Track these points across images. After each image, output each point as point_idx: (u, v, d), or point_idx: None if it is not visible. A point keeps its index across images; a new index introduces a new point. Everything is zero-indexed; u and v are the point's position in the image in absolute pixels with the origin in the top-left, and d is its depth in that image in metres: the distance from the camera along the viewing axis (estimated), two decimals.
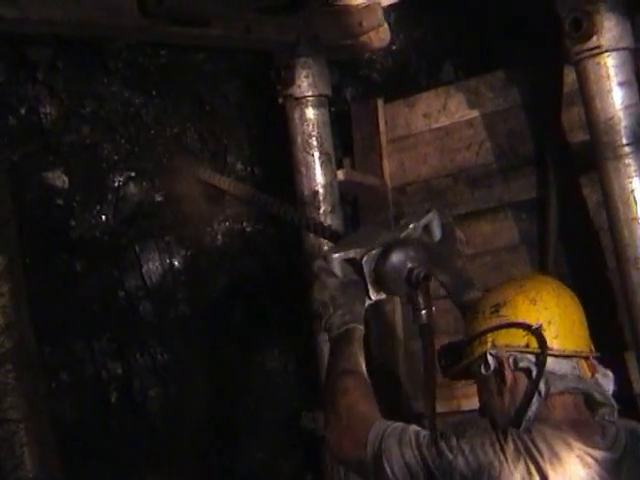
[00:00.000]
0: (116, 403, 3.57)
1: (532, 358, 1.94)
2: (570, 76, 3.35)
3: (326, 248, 2.93)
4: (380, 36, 3.75)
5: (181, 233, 3.75)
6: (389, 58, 4.16)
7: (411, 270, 2.26)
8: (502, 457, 1.84)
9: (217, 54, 3.77)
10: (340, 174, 3.71)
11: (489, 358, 1.98)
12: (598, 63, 3.05)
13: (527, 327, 1.95)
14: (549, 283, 2.07)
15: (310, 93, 3.52)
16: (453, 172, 3.79)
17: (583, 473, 1.88)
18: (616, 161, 3.06)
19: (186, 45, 3.56)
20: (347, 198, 3.92)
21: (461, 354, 2.11)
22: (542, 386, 1.93)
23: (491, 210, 3.69)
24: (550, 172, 3.48)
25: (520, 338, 1.97)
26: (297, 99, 3.52)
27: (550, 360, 1.94)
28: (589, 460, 1.89)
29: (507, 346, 1.97)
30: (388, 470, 1.94)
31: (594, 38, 3.03)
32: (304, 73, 3.49)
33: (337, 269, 2.29)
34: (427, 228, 2.44)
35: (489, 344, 2.00)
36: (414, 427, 1.97)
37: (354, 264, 2.30)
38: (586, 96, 3.13)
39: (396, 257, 2.26)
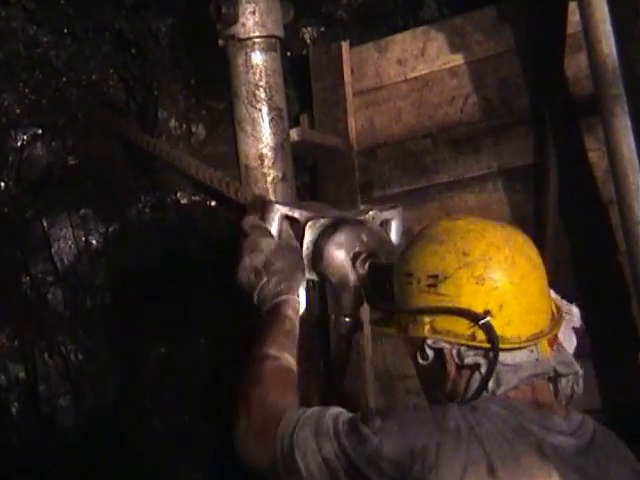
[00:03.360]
0: (18, 415, 3.59)
1: (480, 352, 1.91)
2: (576, 14, 3.29)
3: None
4: None
5: (100, 205, 3.77)
6: None
7: (358, 254, 2.30)
8: (439, 437, 1.78)
9: None
10: (294, 134, 3.66)
11: (427, 348, 1.94)
12: None
13: (473, 317, 1.90)
14: (500, 245, 1.95)
15: (257, 34, 3.39)
16: (432, 132, 3.76)
17: (539, 464, 1.82)
18: (625, 118, 3.03)
19: None
20: (303, 163, 3.90)
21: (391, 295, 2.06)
22: (491, 385, 1.90)
23: (478, 179, 3.67)
24: (549, 133, 3.45)
25: (465, 327, 1.92)
26: (241, 41, 3.40)
27: (502, 352, 1.90)
28: (547, 448, 1.85)
29: (449, 333, 1.93)
30: (303, 469, 1.87)
31: None
32: (249, 8, 3.36)
33: (274, 228, 2.31)
34: (387, 224, 2.48)
35: (426, 328, 1.95)
36: (334, 410, 1.92)
37: (294, 227, 2.33)
38: (591, 39, 3.10)
39: (345, 234, 2.30)
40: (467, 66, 3.67)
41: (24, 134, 3.61)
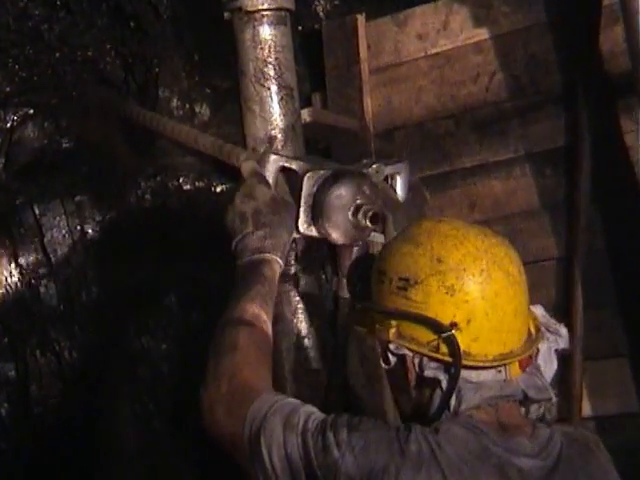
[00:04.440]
0: (7, 416, 3.56)
1: (442, 366, 1.91)
2: None
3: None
4: None
5: (97, 191, 3.74)
6: None
7: (359, 206, 2.30)
8: (399, 461, 1.80)
9: None
10: (306, 114, 3.60)
11: (389, 354, 1.96)
12: None
13: (437, 328, 1.90)
14: (478, 256, 1.94)
15: (266, 6, 3.33)
16: (455, 113, 3.75)
17: None
18: None
19: None
20: (316, 146, 3.86)
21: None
22: (453, 402, 1.90)
23: (505, 163, 3.66)
24: (583, 113, 3.44)
25: (429, 337, 1.92)
26: (249, 14, 3.34)
27: (466, 370, 1.91)
28: (510, 471, 1.85)
29: (412, 341, 1.94)
30: (266, 457, 1.89)
31: None
32: None
33: (271, 177, 2.33)
34: (392, 179, 2.49)
35: (392, 332, 1.96)
36: (308, 408, 1.93)
37: (292, 179, 2.34)
38: (628, 10, 3.02)
39: (346, 186, 2.31)
40: (493, 41, 3.65)
41: (14, 114, 3.59)
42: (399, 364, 1.96)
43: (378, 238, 2.41)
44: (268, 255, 2.20)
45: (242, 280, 2.16)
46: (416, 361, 1.93)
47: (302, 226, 2.33)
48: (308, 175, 2.33)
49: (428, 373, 1.91)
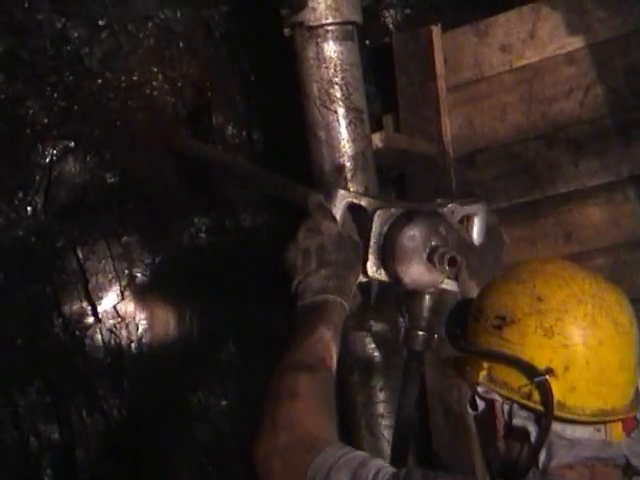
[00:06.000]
0: None
1: (532, 416, 1.91)
2: None
3: None
4: None
5: (145, 230, 3.74)
6: None
7: (435, 248, 2.29)
8: None
9: None
10: (377, 139, 3.60)
11: (477, 398, 1.97)
12: None
13: (531, 373, 1.89)
14: (583, 299, 1.94)
15: (330, 20, 3.41)
16: (546, 132, 3.65)
17: None
18: None
19: None
20: (388, 175, 3.84)
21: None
22: (543, 457, 1.89)
23: (604, 188, 3.56)
24: None
25: (522, 382, 1.92)
26: (311, 29, 3.42)
27: (559, 422, 1.90)
28: None
29: (504, 385, 1.94)
30: None
31: None
32: None
33: (338, 213, 2.33)
34: (469, 221, 2.48)
35: (482, 374, 1.97)
36: (378, 461, 1.92)
37: (361, 217, 2.34)
38: None
39: (420, 226, 2.30)
40: (587, 50, 3.57)
41: (53, 148, 3.59)
42: (487, 410, 1.96)
43: (451, 286, 2.39)
44: (332, 297, 2.20)
45: (303, 323, 2.17)
46: (505, 408, 1.93)
47: (370, 268, 2.33)
48: (378, 213, 2.32)
49: (517, 422, 1.91)
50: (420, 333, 2.37)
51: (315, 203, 2.32)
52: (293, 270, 2.23)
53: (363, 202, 2.37)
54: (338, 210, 2.34)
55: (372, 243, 2.33)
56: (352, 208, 2.37)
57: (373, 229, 2.33)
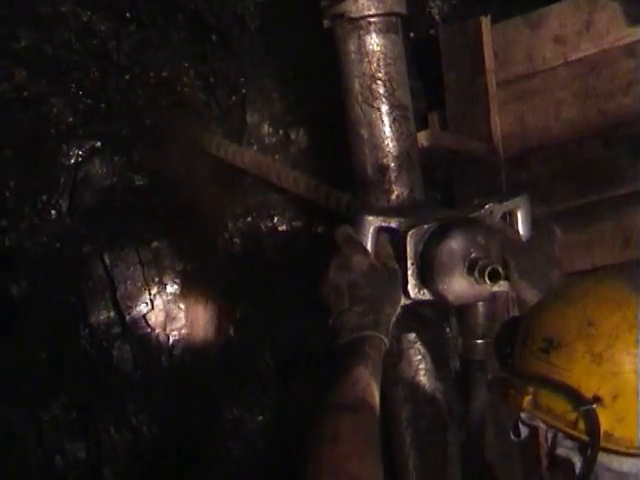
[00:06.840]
0: None
1: (577, 446, 1.92)
2: None
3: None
4: None
5: (177, 236, 3.75)
6: None
7: (474, 261, 2.30)
8: None
9: None
10: (423, 137, 3.60)
11: (520, 424, 1.99)
12: None
13: (577, 400, 1.90)
14: (636, 325, 1.95)
15: (373, 11, 3.35)
16: (603, 130, 3.61)
17: None
18: None
19: None
20: (434, 175, 3.78)
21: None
22: None
23: None
24: None
25: (567, 409, 1.93)
26: (353, 21, 3.37)
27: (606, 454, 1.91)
28: None
29: (549, 412, 1.95)
30: None
31: None
32: None
33: (369, 242, 2.36)
34: (511, 216, 2.50)
35: (526, 399, 1.97)
36: None
37: (394, 239, 2.36)
38: None
39: (457, 239, 2.32)
40: None
41: (79, 148, 3.61)
42: (530, 438, 1.99)
43: (503, 287, 2.41)
44: (370, 332, 2.24)
45: (342, 363, 2.20)
46: (549, 436, 1.96)
47: (412, 291, 2.36)
48: (411, 233, 2.35)
49: (560, 452, 1.93)
50: (479, 342, 2.41)
51: (343, 236, 2.35)
52: (327, 308, 2.29)
53: (393, 224, 2.39)
54: (367, 238, 2.37)
55: (409, 265, 2.35)
56: (384, 231, 2.39)
57: (408, 250, 2.35)
